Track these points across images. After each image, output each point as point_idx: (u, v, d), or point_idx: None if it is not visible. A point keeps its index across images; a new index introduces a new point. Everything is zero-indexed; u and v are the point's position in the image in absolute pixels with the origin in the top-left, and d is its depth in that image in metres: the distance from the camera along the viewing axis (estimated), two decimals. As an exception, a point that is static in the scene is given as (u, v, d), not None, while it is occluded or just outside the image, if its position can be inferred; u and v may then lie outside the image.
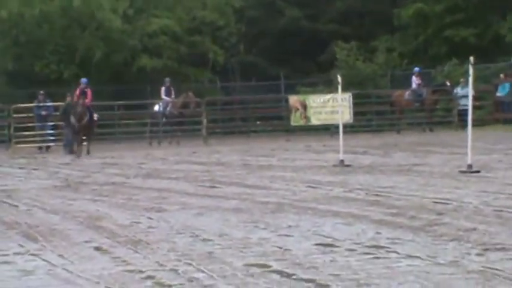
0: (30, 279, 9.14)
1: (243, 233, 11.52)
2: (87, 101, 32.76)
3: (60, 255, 10.39)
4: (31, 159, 31.32)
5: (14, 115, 38.30)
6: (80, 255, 10.36)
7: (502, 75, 40.95)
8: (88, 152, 32.22)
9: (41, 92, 37.97)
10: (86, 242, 11.37)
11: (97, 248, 10.84)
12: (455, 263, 8.93)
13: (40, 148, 36.85)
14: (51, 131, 37.91)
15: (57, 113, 36.87)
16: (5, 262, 10.15)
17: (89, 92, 32.98)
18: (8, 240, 11.90)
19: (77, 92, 32.91)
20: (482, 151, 22.10)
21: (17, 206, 15.87)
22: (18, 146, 37.66)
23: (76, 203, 16.09)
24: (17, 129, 38.44)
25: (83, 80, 33.88)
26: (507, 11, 46.70)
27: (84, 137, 33.10)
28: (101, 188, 19.01)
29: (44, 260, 10.20)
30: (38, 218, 14.12)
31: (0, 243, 11.62)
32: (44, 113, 37.39)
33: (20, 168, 26.89)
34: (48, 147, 36.96)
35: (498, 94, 40.08)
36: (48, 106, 37.57)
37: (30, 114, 38.00)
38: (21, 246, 11.28)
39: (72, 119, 32.24)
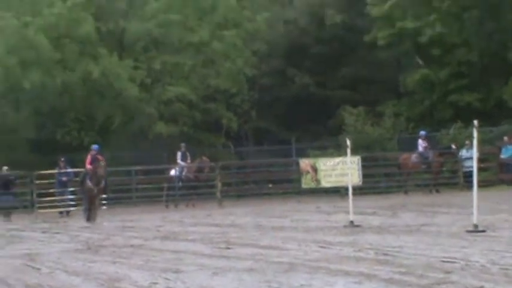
0: None
1: (257, 292, 11.49)
2: (100, 165, 30.90)
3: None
4: (53, 223, 31.35)
5: (37, 181, 38.50)
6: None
7: (505, 138, 40.97)
8: (95, 218, 30.36)
9: (62, 158, 38.20)
10: (106, 302, 11.34)
11: (117, 309, 10.82)
12: (463, 320, 8.88)
13: (61, 213, 36.93)
14: (72, 196, 38.00)
15: (77, 179, 37.03)
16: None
17: (101, 158, 31.51)
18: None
19: (88, 158, 31.61)
20: (488, 211, 22.03)
21: (39, 269, 15.85)
22: (41, 211, 37.76)
23: (96, 265, 16.07)
24: (39, 195, 38.62)
25: (94, 146, 32.90)
26: (509, 77, 46.87)
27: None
28: (120, 250, 19.00)
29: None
30: (60, 280, 14.10)
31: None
32: (64, 178, 37.59)
33: (43, 232, 26.89)
34: (68, 211, 37.02)
35: (502, 156, 40.09)
36: (69, 172, 37.77)
37: (52, 180, 38.14)
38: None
39: (89, 183, 30.75)
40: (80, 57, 44.95)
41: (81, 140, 44.55)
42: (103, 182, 30.87)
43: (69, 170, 37.86)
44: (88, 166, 31.18)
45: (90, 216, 30.25)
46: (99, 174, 30.31)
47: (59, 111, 45.34)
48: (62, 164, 37.78)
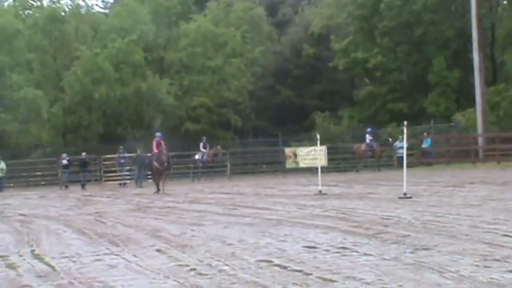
0: (114, 271, 9.13)
1: (255, 239, 11.50)
2: (163, 149, 28.62)
3: (134, 255, 10.38)
4: (114, 191, 31.35)
5: (103, 162, 38.64)
6: (147, 255, 10.35)
7: (425, 133, 41.05)
8: (164, 190, 27.87)
9: (121, 147, 38.52)
10: (151, 246, 11.35)
11: (158, 250, 10.83)
12: (396, 258, 8.89)
13: (120, 184, 36.94)
14: (127, 173, 38.08)
15: (130, 161, 37.37)
16: (98, 260, 10.15)
17: (163, 142, 28.93)
18: (100, 245, 11.90)
19: (154, 142, 29.13)
20: (413, 184, 22.04)
21: (105, 223, 15.87)
22: (106, 183, 37.86)
23: (144, 220, 16.08)
24: (105, 172, 38.77)
25: (158, 133, 30.27)
26: (428, 92, 46.94)
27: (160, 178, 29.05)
28: (160, 210, 19.00)
29: (123, 258, 10.19)
30: (119, 230, 14.12)
31: (94, 247, 11.62)
32: (122, 161, 37.73)
33: (107, 197, 26.91)
34: (125, 183, 37.05)
35: (423, 146, 40.12)
36: (125, 156, 37.89)
37: (114, 162, 38.24)
38: (108, 249, 11.27)
39: (155, 164, 28.47)
40: (133, 76, 44.97)
41: (134, 134, 44.70)
42: (165, 164, 28.60)
43: (126, 154, 38.07)
44: (154, 150, 28.97)
45: (158, 188, 28.05)
46: (162, 157, 28.27)
47: (119, 113, 45.36)
48: (120, 151, 38.15)
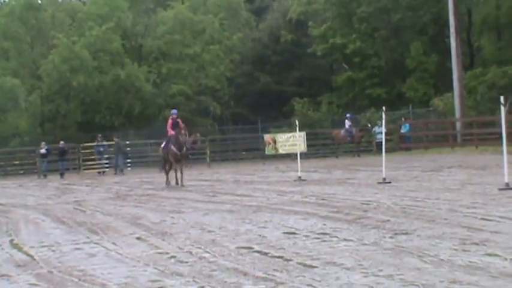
0: (94, 260, 9.12)
1: (235, 226, 11.51)
2: (181, 129, 23.03)
3: (113, 243, 10.36)
4: (93, 180, 31.25)
5: (82, 151, 38.51)
6: (127, 243, 10.34)
7: (403, 119, 41.16)
8: (182, 182, 22.42)
9: (99, 135, 38.32)
10: (131, 234, 11.34)
11: (138, 238, 10.82)
12: (375, 243, 8.93)
13: (99, 172, 36.80)
14: (106, 161, 37.97)
15: (110, 149, 37.19)
16: (77, 248, 10.13)
17: (180, 122, 23.31)
18: (79, 233, 11.87)
19: (169, 122, 23.75)
20: (392, 169, 22.16)
21: (84, 211, 15.83)
22: (85, 171, 37.74)
23: (124, 208, 16.06)
24: (83, 160, 38.65)
25: (174, 111, 24.84)
26: (406, 77, 47.07)
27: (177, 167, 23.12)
28: (140, 197, 18.98)
29: (102, 246, 10.17)
30: (98, 218, 14.09)
31: (74, 236, 11.59)
32: (101, 149, 37.60)
33: (86, 185, 26.83)
34: (104, 172, 36.92)
35: (401, 131, 40.24)
36: (104, 145, 37.78)
37: (92, 150, 38.12)
38: (88, 237, 11.25)
39: (173, 148, 22.81)
40: (111, 64, 44.73)
41: (112, 122, 44.61)
42: (184, 148, 23.30)
43: (104, 143, 37.95)
44: (170, 131, 23.31)
45: (169, 180, 23.12)
46: (180, 141, 22.83)
47: (97, 102, 45.13)
48: (99, 139, 37.97)
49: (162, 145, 24.15)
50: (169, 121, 23.80)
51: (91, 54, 43.75)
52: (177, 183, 22.40)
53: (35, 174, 37.09)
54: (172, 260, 8.66)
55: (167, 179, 23.26)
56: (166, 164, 23.74)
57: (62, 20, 46.84)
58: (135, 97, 45.09)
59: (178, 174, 22.60)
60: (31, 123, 45.34)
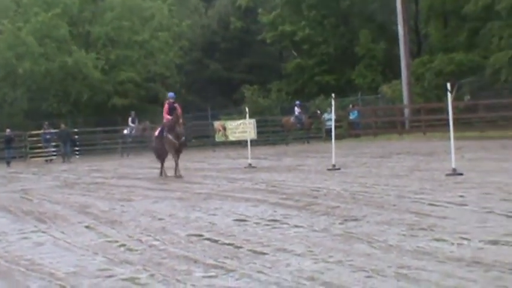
0: (42, 249, 9.01)
1: (185, 213, 11.48)
2: (179, 117, 20.30)
3: (61, 232, 10.26)
4: (40, 168, 30.84)
5: (29, 138, 38.04)
6: (75, 232, 10.24)
7: (350, 105, 41.46)
8: (179, 172, 19.89)
9: (46, 122, 38.06)
10: (79, 222, 11.23)
11: (87, 227, 10.72)
12: (325, 230, 8.99)
13: (46, 161, 36.37)
14: (54, 149, 37.56)
15: (54, 137, 36.92)
16: (24, 238, 10.00)
17: (178, 108, 20.63)
18: (26, 222, 11.72)
19: (166, 106, 20.83)
20: (341, 155, 22.30)
21: (31, 200, 15.62)
22: (32, 159, 37.26)
23: (72, 196, 15.89)
24: (31, 148, 38.18)
25: (171, 94, 21.92)
26: (355, 64, 47.41)
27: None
28: (88, 186, 18.79)
29: (50, 235, 10.06)
30: (46, 207, 13.92)
31: (21, 225, 11.44)
32: (48, 136, 37.26)
33: (33, 174, 26.46)
34: (51, 159, 36.51)
35: (350, 118, 40.54)
36: (51, 132, 37.40)
37: (39, 138, 37.67)
38: (35, 226, 11.11)
39: (170, 136, 20.16)
40: (58, 51, 44.14)
41: (60, 109, 44.18)
42: (183, 138, 20.61)
43: (52, 130, 37.58)
44: (167, 116, 20.57)
45: (164, 170, 20.63)
46: (177, 130, 20.08)
47: (44, 89, 44.57)
48: (46, 127, 37.69)
49: (156, 132, 21.29)
50: (166, 106, 20.96)
51: (37, 40, 43.14)
52: (175, 174, 19.95)
53: (-19, 163, 36.51)
54: (122, 248, 8.60)
55: (162, 169, 20.74)
56: (162, 153, 21.04)
57: (7, 6, 46.03)
58: (83, 84, 44.62)
59: (176, 165, 20.07)
60: (-24, 112, 44.62)
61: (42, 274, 7.47)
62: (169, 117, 20.43)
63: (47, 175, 25.15)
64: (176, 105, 20.70)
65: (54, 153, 37.38)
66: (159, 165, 20.78)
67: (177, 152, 20.34)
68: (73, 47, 44.31)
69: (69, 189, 17.98)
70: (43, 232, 10.41)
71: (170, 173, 20.08)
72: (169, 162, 20.45)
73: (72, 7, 45.67)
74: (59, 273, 7.46)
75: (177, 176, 19.64)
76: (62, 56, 43.70)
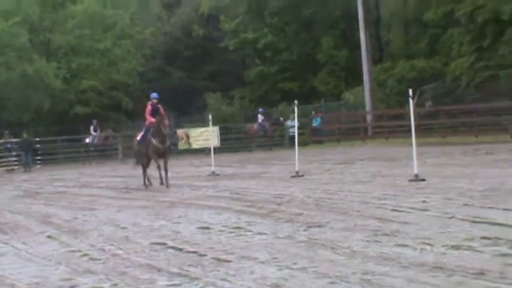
0: (3, 259, 8.90)
1: (148, 222, 11.42)
2: (163, 118, 18.90)
3: (23, 242, 10.14)
4: (1, 177, 30.45)
5: (-12, 148, 37.68)
6: (37, 242, 10.13)
7: (313, 112, 41.59)
8: (167, 181, 18.35)
9: (7, 131, 37.60)
10: (41, 232, 11.11)
11: (49, 236, 10.61)
12: (289, 237, 9.00)
13: (7, 170, 35.95)
14: (15, 158, 37.15)
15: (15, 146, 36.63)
16: (-15, 249, 9.86)
17: (161, 109, 19.14)
18: (-14, 234, 11.55)
19: (148, 108, 19.29)
20: (305, 162, 22.35)
21: (-8, 210, 15.42)
22: (-8, 169, 36.90)
23: (33, 206, 15.71)
24: (-10, 158, 37.82)
25: (154, 94, 19.84)
26: (318, 71, 47.63)
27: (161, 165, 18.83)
28: (51, 195, 18.60)
29: (12, 246, 9.94)
30: (7, 217, 13.75)
31: (-19, 236, 11.27)
32: (9, 146, 36.89)
33: (-6, 184, 26.13)
34: (13, 169, 36.11)
35: (313, 125, 40.71)
36: (12, 141, 37.00)
37: (0, 147, 37.23)
38: (-4, 237, 10.97)
39: (154, 141, 18.59)
40: (18, 60, 43.71)
41: (21, 118, 43.66)
42: (167, 142, 19.18)
43: (12, 140, 37.19)
44: (150, 119, 19.05)
45: (148, 179, 19.11)
46: (163, 131, 18.65)
47: (5, 98, 44.06)
48: (6, 136, 37.22)
49: (139, 137, 19.79)
50: (149, 107, 19.37)
51: (-3, 49, 42.72)
52: (161, 183, 18.52)
53: None
54: (85, 258, 8.53)
55: (145, 178, 19.18)
56: (144, 160, 19.39)
57: (-34, 14, 45.54)
58: (45, 93, 44.17)
59: (163, 172, 18.54)
60: None
61: (4, 286, 7.38)
62: (152, 119, 18.92)
63: (8, 184, 24.85)
64: (159, 106, 19.22)
65: (16, 162, 36.98)
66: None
67: (162, 158, 18.72)
68: (34, 56, 43.92)
69: (31, 199, 17.79)
70: (4, 243, 10.28)
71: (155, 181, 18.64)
72: (151, 170, 19.37)
73: (33, 15, 45.28)
74: (20, 284, 7.37)
75: (166, 185, 18.12)
76: (22, 65, 43.26)
